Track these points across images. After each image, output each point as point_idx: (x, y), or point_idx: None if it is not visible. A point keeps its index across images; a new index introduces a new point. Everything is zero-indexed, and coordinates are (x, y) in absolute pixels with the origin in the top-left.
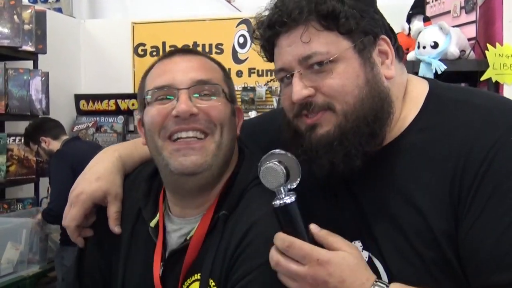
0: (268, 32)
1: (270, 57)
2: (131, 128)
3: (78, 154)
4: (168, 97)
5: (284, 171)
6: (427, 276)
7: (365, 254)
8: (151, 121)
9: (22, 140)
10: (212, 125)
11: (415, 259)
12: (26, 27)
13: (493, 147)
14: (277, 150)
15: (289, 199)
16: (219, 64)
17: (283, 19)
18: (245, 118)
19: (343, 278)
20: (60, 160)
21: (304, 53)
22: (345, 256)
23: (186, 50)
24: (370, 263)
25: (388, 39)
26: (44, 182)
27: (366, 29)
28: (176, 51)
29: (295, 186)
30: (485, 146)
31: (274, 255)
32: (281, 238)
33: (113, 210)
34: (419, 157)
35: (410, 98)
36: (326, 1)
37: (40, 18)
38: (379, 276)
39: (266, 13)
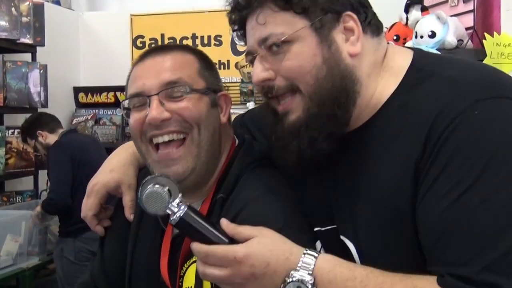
0: (235, 16)
1: (246, 42)
2: None
3: (77, 145)
4: (142, 104)
5: (165, 189)
6: (396, 253)
7: (318, 246)
8: (132, 128)
9: (20, 136)
10: (188, 125)
11: (383, 235)
12: (24, 19)
13: (455, 118)
14: (147, 178)
15: (181, 211)
16: (197, 54)
17: (240, 2)
18: (243, 109)
19: (266, 261)
20: (58, 150)
21: (262, 35)
22: (259, 241)
23: (160, 48)
24: (344, 247)
25: (354, 16)
26: (44, 175)
27: (324, 7)
28: (150, 52)
29: (179, 199)
30: (448, 118)
31: (199, 267)
32: (196, 249)
33: (127, 199)
34: (393, 133)
35: (389, 72)
36: None
37: (38, 11)
38: (352, 259)
39: None
